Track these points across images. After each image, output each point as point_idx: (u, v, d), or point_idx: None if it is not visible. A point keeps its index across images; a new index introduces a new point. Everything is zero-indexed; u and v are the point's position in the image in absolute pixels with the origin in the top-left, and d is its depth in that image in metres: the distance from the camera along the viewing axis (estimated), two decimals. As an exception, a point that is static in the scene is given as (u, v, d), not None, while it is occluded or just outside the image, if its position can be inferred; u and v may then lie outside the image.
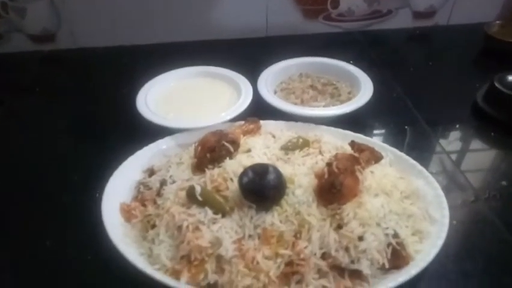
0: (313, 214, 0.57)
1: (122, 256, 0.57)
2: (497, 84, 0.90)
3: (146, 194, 0.68)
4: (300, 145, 0.71)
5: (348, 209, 0.57)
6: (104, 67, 1.17)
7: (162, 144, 0.78)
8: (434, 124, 0.89)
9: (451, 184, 0.74)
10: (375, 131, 0.88)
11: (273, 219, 0.58)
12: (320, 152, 0.69)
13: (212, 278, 0.55)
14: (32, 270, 0.62)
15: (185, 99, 0.90)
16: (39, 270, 0.63)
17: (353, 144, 0.68)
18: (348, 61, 0.99)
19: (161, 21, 1.22)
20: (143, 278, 0.55)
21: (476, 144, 0.87)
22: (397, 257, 0.56)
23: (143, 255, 0.60)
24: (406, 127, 0.88)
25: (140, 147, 0.76)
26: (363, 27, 1.32)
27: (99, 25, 1.20)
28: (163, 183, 0.68)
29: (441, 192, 0.65)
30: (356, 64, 0.97)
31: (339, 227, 0.57)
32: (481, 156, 0.83)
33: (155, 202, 0.66)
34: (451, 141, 0.86)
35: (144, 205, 0.66)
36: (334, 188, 0.57)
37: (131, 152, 0.75)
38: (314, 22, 1.28)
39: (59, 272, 0.62)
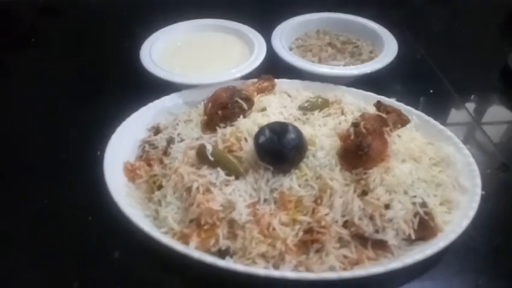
0: (336, 178, 0.53)
1: (126, 218, 0.53)
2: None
3: (152, 153, 0.63)
4: (319, 105, 0.65)
5: (375, 174, 0.52)
6: (104, 17, 1.09)
7: (168, 101, 0.72)
8: (460, 88, 0.83)
9: (479, 152, 0.69)
10: (398, 95, 0.81)
11: (291, 182, 0.53)
12: (342, 113, 0.64)
13: (224, 243, 0.51)
14: (29, 231, 0.58)
15: (193, 53, 0.84)
16: (36, 230, 0.58)
17: (379, 104, 0.62)
18: (368, 19, 0.91)
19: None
20: (149, 241, 0.51)
21: (505, 111, 0.81)
22: (425, 228, 0.52)
23: (149, 218, 0.56)
24: (431, 91, 0.82)
25: (144, 104, 0.70)
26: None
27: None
28: (170, 141, 0.63)
29: (472, 160, 0.60)
30: (377, 23, 0.90)
31: (364, 193, 0.52)
32: (510, 124, 0.77)
33: (161, 162, 0.61)
34: (479, 107, 0.80)
35: (150, 165, 0.62)
36: (361, 151, 0.52)
37: (135, 108, 0.69)
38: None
39: (57, 234, 0.58)
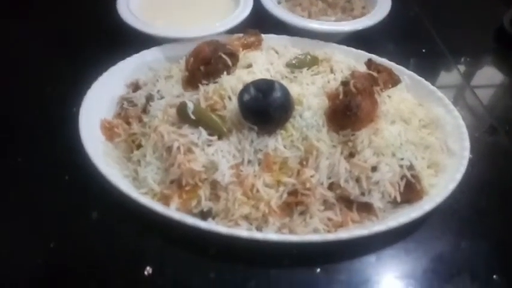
0: (323, 140, 0.51)
1: (103, 177, 0.51)
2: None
3: (131, 111, 0.60)
4: (308, 62, 0.62)
5: (363, 136, 0.51)
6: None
7: (148, 56, 0.68)
8: (453, 48, 0.80)
9: (469, 114, 0.68)
10: (390, 53, 0.78)
11: (276, 143, 0.51)
12: (332, 71, 0.61)
13: (206, 205, 0.49)
14: (2, 191, 0.56)
15: (174, 4, 0.78)
16: (10, 190, 0.56)
17: (370, 63, 0.60)
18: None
19: None
20: (128, 202, 0.49)
21: (498, 74, 0.79)
22: (410, 191, 0.51)
23: (128, 178, 0.54)
24: (424, 50, 0.79)
25: (122, 58, 0.66)
26: None
27: None
28: (149, 98, 0.60)
29: (462, 122, 0.58)
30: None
31: (351, 155, 0.51)
32: (503, 87, 0.76)
33: (140, 120, 0.58)
34: (471, 69, 0.78)
35: (128, 123, 0.59)
36: (349, 111, 0.49)
37: (113, 63, 0.65)
38: None
39: (33, 193, 0.55)
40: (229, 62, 0.59)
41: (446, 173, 0.54)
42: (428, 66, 0.76)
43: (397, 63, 0.66)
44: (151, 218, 0.49)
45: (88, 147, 0.53)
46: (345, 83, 0.51)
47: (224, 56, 0.58)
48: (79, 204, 0.54)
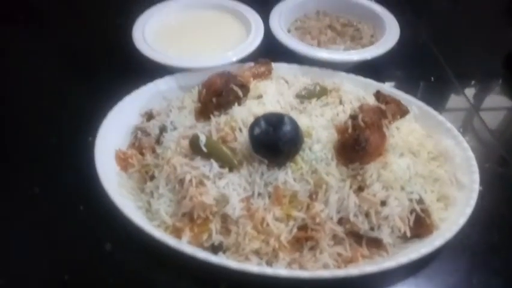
0: (332, 173, 0.51)
1: (117, 209, 0.52)
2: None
3: (144, 141, 0.62)
4: (317, 93, 0.63)
5: (372, 170, 0.51)
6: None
7: (161, 85, 0.70)
8: (462, 76, 0.81)
9: (479, 145, 0.68)
10: (398, 81, 0.79)
11: (286, 176, 0.51)
12: (341, 102, 0.62)
13: (216, 238, 0.50)
14: (19, 219, 0.57)
15: (187, 34, 0.80)
16: (26, 218, 0.57)
17: (378, 95, 0.60)
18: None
19: None
20: (141, 234, 0.50)
21: (507, 101, 0.79)
22: (420, 225, 0.51)
23: (141, 209, 0.55)
24: (432, 78, 0.80)
25: (137, 87, 0.68)
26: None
27: None
28: (162, 129, 0.61)
29: (471, 154, 0.58)
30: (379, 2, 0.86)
31: (360, 189, 0.51)
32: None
33: (154, 150, 0.59)
34: (480, 96, 0.78)
35: (142, 153, 0.60)
36: (358, 145, 0.50)
37: (127, 91, 0.67)
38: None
39: (48, 224, 0.57)
40: (240, 94, 0.60)
41: (456, 206, 0.54)
42: (436, 94, 0.77)
43: (406, 92, 0.67)
44: (163, 251, 0.49)
45: (102, 178, 0.55)
46: (353, 117, 0.52)
47: (235, 88, 0.60)
48: (93, 235, 0.55)
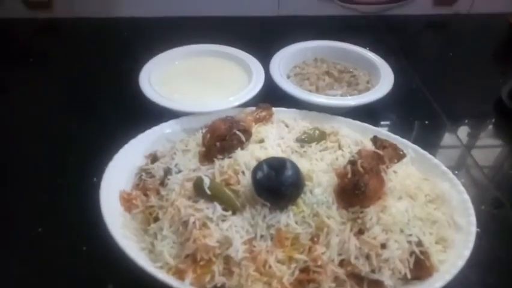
0: (333, 217, 0.53)
1: (121, 250, 0.53)
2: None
3: (149, 183, 0.63)
4: (316, 137, 0.66)
5: (372, 213, 0.53)
6: (103, 40, 1.08)
7: (166, 128, 0.72)
8: (455, 119, 0.84)
9: (474, 187, 0.70)
10: (394, 124, 0.82)
11: (288, 219, 0.53)
12: (339, 147, 0.64)
13: (219, 280, 0.50)
14: (22, 259, 0.58)
15: (191, 79, 0.84)
16: (29, 258, 0.58)
17: (375, 140, 0.63)
18: (364, 47, 0.93)
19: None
20: (144, 276, 0.51)
21: (499, 143, 0.82)
22: (420, 268, 0.52)
23: (144, 251, 0.55)
24: (426, 122, 0.83)
25: (142, 130, 0.70)
26: (380, 12, 1.24)
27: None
28: (167, 171, 0.63)
29: (467, 197, 0.60)
30: (373, 51, 0.91)
31: (361, 232, 0.52)
32: (505, 157, 0.78)
33: (158, 192, 0.61)
34: (473, 139, 0.81)
35: (146, 195, 0.61)
36: (358, 190, 0.52)
37: (133, 135, 0.69)
38: (329, 3, 1.21)
39: (51, 262, 0.57)
40: (243, 138, 0.62)
41: (454, 248, 0.55)
42: (431, 137, 0.80)
43: (401, 136, 0.70)
44: (166, 292, 0.50)
45: (107, 220, 0.56)
46: (353, 162, 0.54)
47: (238, 133, 0.62)
48: (95, 275, 0.55)
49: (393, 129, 0.79)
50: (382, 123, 0.73)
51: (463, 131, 0.83)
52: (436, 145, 0.77)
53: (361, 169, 0.53)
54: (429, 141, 0.77)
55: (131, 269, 0.52)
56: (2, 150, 0.75)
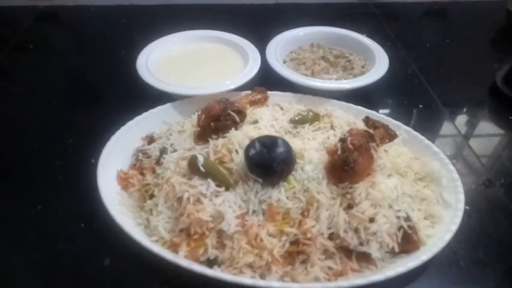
0: (323, 192, 0.54)
1: (117, 226, 0.54)
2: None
3: (145, 162, 0.65)
4: (310, 119, 0.67)
5: (360, 189, 0.54)
6: (102, 26, 1.10)
7: (162, 111, 0.74)
8: (449, 104, 0.85)
9: (465, 167, 0.71)
10: (388, 109, 0.83)
11: (279, 195, 0.54)
12: (332, 127, 0.65)
13: (212, 253, 0.52)
14: (21, 235, 0.59)
15: (188, 64, 0.85)
16: (28, 235, 0.59)
17: (367, 120, 0.64)
18: (361, 34, 0.93)
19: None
20: (140, 249, 0.52)
21: (492, 127, 0.83)
22: (408, 241, 0.53)
23: (140, 226, 0.57)
24: (420, 106, 0.84)
25: (139, 113, 0.72)
26: (378, -1, 1.25)
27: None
28: (163, 151, 0.64)
29: (456, 176, 0.61)
30: (369, 37, 0.92)
31: (350, 207, 0.54)
32: (497, 140, 0.79)
33: (154, 171, 0.62)
34: (467, 123, 0.82)
35: (142, 174, 0.63)
36: (347, 166, 0.53)
37: (130, 117, 0.71)
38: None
39: (50, 240, 0.59)
40: (237, 119, 0.64)
41: (442, 224, 0.56)
42: (425, 120, 0.81)
43: (395, 119, 0.71)
44: (160, 265, 0.51)
45: (104, 197, 0.57)
46: (343, 140, 0.56)
47: (232, 114, 0.63)
48: (93, 251, 0.57)
49: (387, 113, 0.80)
50: (376, 107, 0.74)
51: (457, 115, 0.84)
52: (430, 128, 0.78)
53: (351, 146, 0.54)
54: (423, 124, 0.78)
55: (127, 243, 0.53)
56: (2, 134, 0.77)
